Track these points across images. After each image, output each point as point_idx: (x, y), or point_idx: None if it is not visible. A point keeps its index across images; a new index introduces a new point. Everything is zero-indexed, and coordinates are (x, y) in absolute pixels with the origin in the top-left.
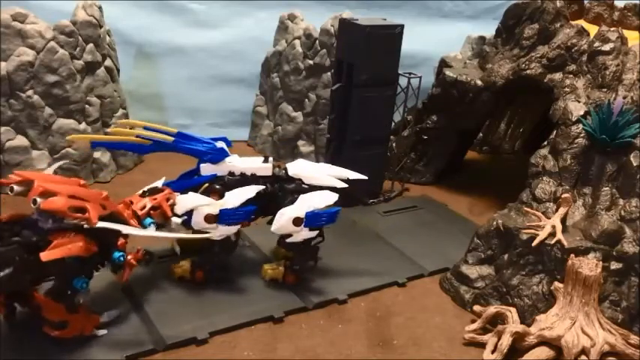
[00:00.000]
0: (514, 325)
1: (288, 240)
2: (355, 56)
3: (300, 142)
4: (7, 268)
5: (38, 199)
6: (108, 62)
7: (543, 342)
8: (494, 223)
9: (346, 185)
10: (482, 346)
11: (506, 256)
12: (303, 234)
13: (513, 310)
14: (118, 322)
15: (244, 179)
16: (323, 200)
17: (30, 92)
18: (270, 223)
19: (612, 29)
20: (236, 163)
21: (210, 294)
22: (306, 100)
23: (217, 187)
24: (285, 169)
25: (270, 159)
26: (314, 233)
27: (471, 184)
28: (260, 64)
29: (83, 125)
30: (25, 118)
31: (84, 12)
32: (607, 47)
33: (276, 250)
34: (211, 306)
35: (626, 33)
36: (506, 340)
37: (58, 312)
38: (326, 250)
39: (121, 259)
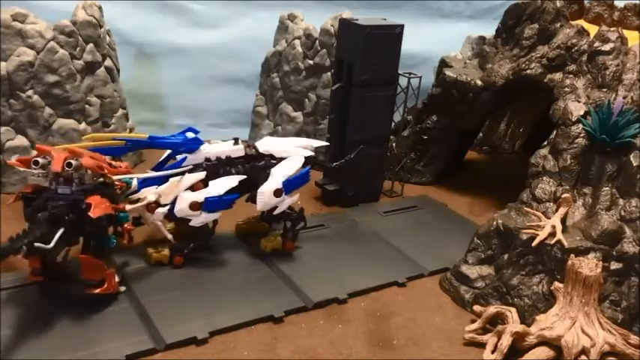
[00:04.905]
0: (514, 325)
1: (275, 212)
2: (355, 56)
3: None
4: (60, 227)
5: (73, 162)
6: (108, 62)
7: (543, 342)
8: (494, 223)
9: (312, 154)
10: (482, 346)
11: (506, 256)
12: (287, 201)
13: (513, 310)
14: (118, 321)
15: (220, 163)
16: (293, 166)
17: (30, 92)
18: (248, 201)
19: (612, 29)
20: (209, 149)
21: (210, 294)
22: (306, 100)
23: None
24: (255, 147)
25: (240, 140)
26: (295, 198)
27: (471, 184)
28: (260, 64)
29: (83, 125)
30: (25, 118)
31: (84, 12)
32: (607, 47)
33: (244, 226)
34: (211, 306)
35: (626, 33)
36: (506, 340)
37: (99, 270)
38: (326, 250)
39: (127, 218)
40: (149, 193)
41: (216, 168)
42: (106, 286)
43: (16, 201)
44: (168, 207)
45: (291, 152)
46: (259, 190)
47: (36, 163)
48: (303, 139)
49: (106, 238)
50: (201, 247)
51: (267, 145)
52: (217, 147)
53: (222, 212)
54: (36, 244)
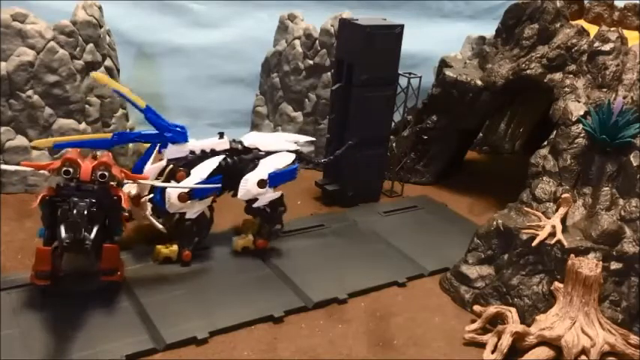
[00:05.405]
0: (514, 325)
1: (255, 205)
2: (355, 56)
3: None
4: (96, 225)
5: (106, 173)
6: (108, 62)
7: (543, 342)
8: (495, 223)
9: (298, 148)
10: (482, 346)
11: (506, 256)
12: (268, 195)
13: (513, 310)
14: (118, 321)
15: (205, 156)
16: (282, 161)
17: (30, 92)
18: (234, 196)
19: (612, 29)
20: (195, 142)
21: (210, 294)
22: (306, 100)
23: (181, 167)
24: (241, 142)
25: (225, 135)
26: (278, 194)
27: (471, 184)
28: (260, 64)
29: (83, 125)
30: (25, 118)
31: (84, 12)
32: (607, 47)
33: (248, 224)
34: (211, 306)
35: (626, 33)
36: (506, 340)
37: (115, 259)
38: (326, 250)
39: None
40: (131, 188)
41: (201, 161)
42: (118, 275)
43: (41, 203)
44: (150, 195)
45: (277, 146)
46: (244, 177)
47: (67, 173)
48: (289, 134)
49: (120, 227)
50: (205, 240)
51: (252, 139)
52: (202, 141)
53: (213, 199)
54: (83, 235)
